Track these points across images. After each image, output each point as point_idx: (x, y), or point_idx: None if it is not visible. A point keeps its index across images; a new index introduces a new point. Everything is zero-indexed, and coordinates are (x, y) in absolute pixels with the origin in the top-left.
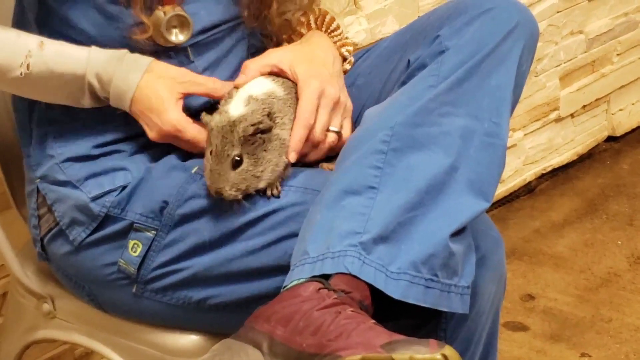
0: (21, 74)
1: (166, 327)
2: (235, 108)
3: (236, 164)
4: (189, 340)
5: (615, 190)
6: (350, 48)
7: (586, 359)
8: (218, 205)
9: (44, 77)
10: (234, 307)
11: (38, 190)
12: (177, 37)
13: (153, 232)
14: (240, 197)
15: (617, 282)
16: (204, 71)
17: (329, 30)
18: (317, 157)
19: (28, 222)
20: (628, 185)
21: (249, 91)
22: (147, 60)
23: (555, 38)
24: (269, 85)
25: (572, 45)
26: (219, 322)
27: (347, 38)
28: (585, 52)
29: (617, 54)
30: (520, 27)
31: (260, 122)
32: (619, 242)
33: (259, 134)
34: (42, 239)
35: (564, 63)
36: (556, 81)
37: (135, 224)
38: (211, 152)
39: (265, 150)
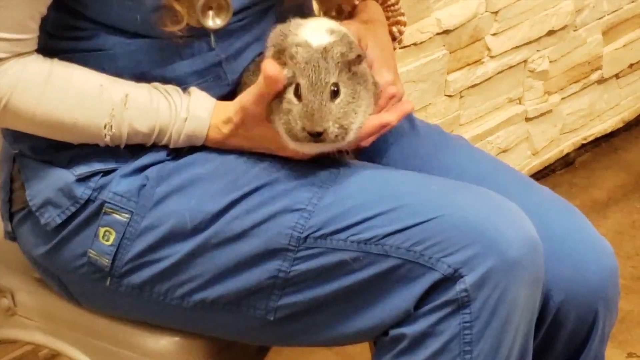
0: (105, 136)
1: (145, 325)
2: (318, 39)
3: (334, 94)
4: (172, 342)
5: None
6: (403, 28)
7: (634, 359)
8: (202, 180)
9: (125, 135)
10: (223, 304)
11: (14, 161)
12: (214, 21)
13: (127, 215)
14: (341, 138)
15: None
16: (225, 59)
17: (386, 4)
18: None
19: None
20: None
21: (325, 25)
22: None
23: None
24: (338, 26)
25: None
26: (205, 322)
27: (402, 14)
28: (633, 1)
29: None
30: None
31: (355, 49)
32: None
33: (353, 66)
34: (12, 216)
35: (608, 15)
36: (598, 36)
37: (106, 204)
38: (297, 89)
39: (358, 83)
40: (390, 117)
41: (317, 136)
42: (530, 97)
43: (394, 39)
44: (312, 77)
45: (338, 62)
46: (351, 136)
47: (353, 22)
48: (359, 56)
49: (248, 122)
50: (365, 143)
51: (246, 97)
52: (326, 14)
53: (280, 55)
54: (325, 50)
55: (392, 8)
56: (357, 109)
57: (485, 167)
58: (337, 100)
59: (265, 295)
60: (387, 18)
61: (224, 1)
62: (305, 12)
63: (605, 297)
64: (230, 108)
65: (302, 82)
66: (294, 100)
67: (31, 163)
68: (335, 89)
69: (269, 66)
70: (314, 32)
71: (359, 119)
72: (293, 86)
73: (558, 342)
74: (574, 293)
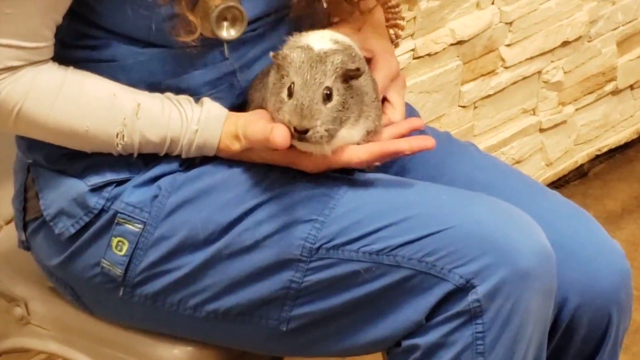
0: (117, 145)
1: (158, 335)
2: (321, 44)
3: (327, 97)
4: (184, 351)
5: None
6: (400, 32)
7: None
8: (214, 190)
9: (137, 144)
10: (235, 314)
11: (28, 170)
12: (229, 32)
13: (139, 225)
14: (325, 140)
15: None
16: (239, 69)
17: (387, 5)
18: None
19: (12, 201)
20: None
21: (330, 35)
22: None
23: None
24: (346, 39)
25: (631, 5)
26: (217, 332)
27: (402, 18)
28: None
29: None
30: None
31: (358, 62)
32: None
33: (350, 77)
34: (26, 225)
35: (622, 26)
36: (613, 47)
37: (119, 215)
38: (291, 87)
39: (351, 96)
40: (405, 146)
41: (303, 133)
42: (545, 108)
43: (390, 41)
44: (306, 76)
45: (337, 68)
46: (334, 145)
47: (361, 33)
48: (358, 69)
49: (255, 149)
50: (377, 163)
51: (252, 129)
52: (339, 23)
53: (280, 61)
54: (325, 55)
55: (392, 10)
56: (344, 119)
57: (495, 174)
58: (329, 105)
59: (277, 305)
60: (387, 20)
61: (238, 12)
62: (317, 21)
63: (619, 300)
64: (239, 126)
65: (297, 80)
66: (286, 99)
67: (45, 172)
68: (328, 92)
69: (278, 134)
70: (318, 39)
71: (344, 131)
72: (287, 86)
73: (571, 348)
74: (587, 298)
